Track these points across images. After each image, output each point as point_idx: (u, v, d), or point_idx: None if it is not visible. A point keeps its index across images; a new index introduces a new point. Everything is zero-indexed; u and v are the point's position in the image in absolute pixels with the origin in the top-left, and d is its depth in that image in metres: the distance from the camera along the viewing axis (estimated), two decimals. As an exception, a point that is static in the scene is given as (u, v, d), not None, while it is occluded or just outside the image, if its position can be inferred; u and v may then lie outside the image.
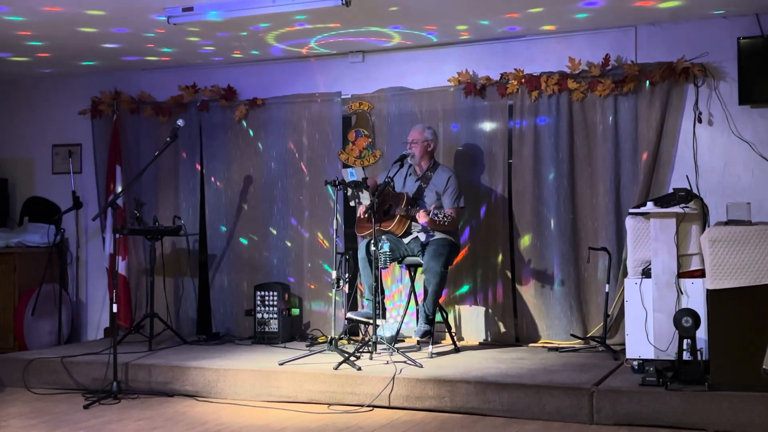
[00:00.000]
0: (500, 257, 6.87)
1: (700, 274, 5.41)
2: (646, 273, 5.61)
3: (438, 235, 6.35)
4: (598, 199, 6.62)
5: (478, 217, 6.93)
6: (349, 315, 6.46)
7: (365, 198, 6.35)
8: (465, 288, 6.98)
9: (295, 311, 7.27)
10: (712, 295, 4.90)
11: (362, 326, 6.85)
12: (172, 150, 7.50)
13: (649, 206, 5.59)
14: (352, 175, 6.39)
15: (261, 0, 5.79)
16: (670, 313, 5.31)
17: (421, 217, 6.15)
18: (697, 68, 6.33)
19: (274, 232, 7.54)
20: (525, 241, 6.81)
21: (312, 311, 7.39)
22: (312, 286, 7.40)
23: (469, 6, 6.06)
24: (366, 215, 6.38)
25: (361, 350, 5.99)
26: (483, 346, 6.78)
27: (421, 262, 6.31)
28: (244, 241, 7.63)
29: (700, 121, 6.38)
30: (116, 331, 6.07)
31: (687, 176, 6.25)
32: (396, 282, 7.16)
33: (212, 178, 7.73)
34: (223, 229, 7.69)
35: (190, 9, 5.92)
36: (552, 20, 6.43)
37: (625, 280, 5.75)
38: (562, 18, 6.35)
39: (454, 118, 7.04)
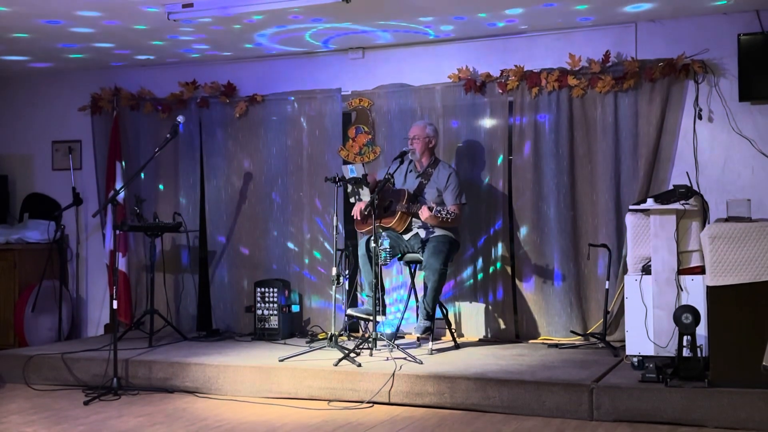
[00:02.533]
0: (500, 254, 6.88)
1: (700, 270, 5.41)
2: (646, 270, 5.61)
3: (438, 232, 6.35)
4: (598, 195, 6.62)
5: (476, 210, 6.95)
6: (349, 311, 6.46)
7: (365, 194, 6.35)
8: (465, 284, 6.98)
9: (295, 308, 7.28)
10: (712, 292, 4.89)
11: (362, 323, 6.85)
12: (172, 146, 7.50)
13: (649, 203, 5.59)
14: (352, 171, 6.39)
15: (261, -4, 5.81)
16: (670, 310, 5.31)
17: (424, 213, 6.14)
18: (698, 65, 6.32)
19: (274, 228, 7.53)
20: (525, 237, 6.81)
21: (312, 308, 7.40)
22: (312, 283, 7.40)
23: (469, 2, 6.05)
24: (366, 212, 6.38)
25: (361, 347, 5.99)
26: (483, 342, 6.78)
27: (422, 258, 6.31)
28: (244, 238, 7.63)
29: (700, 118, 6.38)
30: (116, 328, 6.08)
31: (687, 173, 6.24)
32: (396, 278, 7.17)
33: (212, 175, 7.73)
34: (223, 225, 7.69)
35: (190, 5, 5.92)
36: (552, 17, 6.42)
37: (625, 276, 5.74)
38: (563, 15, 6.35)
39: (454, 115, 7.03)
